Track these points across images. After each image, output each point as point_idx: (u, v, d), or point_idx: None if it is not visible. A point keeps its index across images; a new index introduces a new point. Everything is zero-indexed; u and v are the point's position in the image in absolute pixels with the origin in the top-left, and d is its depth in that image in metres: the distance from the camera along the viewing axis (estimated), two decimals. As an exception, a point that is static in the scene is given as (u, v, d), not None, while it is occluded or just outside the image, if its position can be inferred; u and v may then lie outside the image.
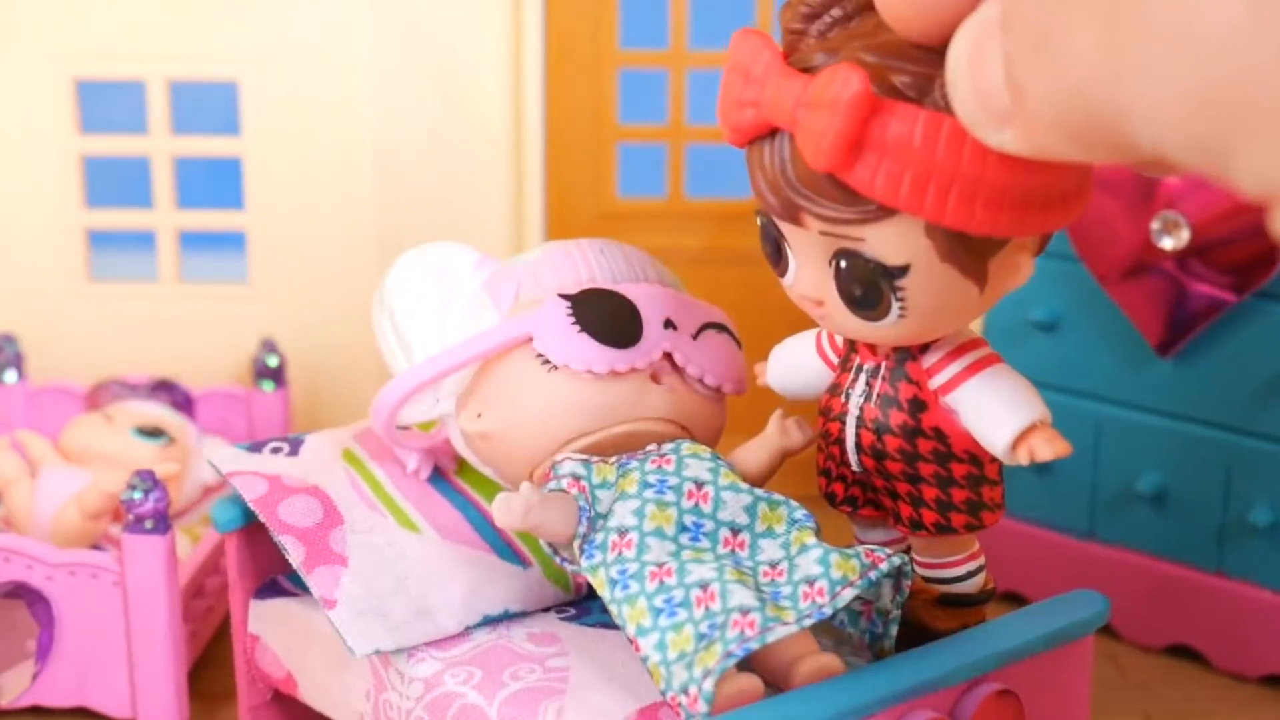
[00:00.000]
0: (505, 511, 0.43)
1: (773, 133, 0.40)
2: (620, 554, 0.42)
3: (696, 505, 0.44)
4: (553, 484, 0.44)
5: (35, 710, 0.56)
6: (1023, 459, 0.41)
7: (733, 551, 0.43)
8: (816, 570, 0.42)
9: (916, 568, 0.46)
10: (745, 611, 0.40)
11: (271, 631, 0.52)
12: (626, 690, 0.44)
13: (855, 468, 0.45)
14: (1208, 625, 0.59)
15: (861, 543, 0.48)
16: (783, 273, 0.43)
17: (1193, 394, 0.58)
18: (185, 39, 0.69)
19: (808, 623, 0.41)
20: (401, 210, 0.71)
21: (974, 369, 0.43)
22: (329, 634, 0.48)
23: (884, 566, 0.42)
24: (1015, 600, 0.63)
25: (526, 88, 0.70)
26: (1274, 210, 0.27)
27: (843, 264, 0.40)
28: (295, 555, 0.48)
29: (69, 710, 0.56)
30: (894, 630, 0.44)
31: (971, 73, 0.34)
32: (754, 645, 0.40)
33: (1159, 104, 0.28)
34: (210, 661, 0.59)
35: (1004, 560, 0.62)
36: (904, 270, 0.40)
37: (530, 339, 0.46)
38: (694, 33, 0.71)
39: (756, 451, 0.48)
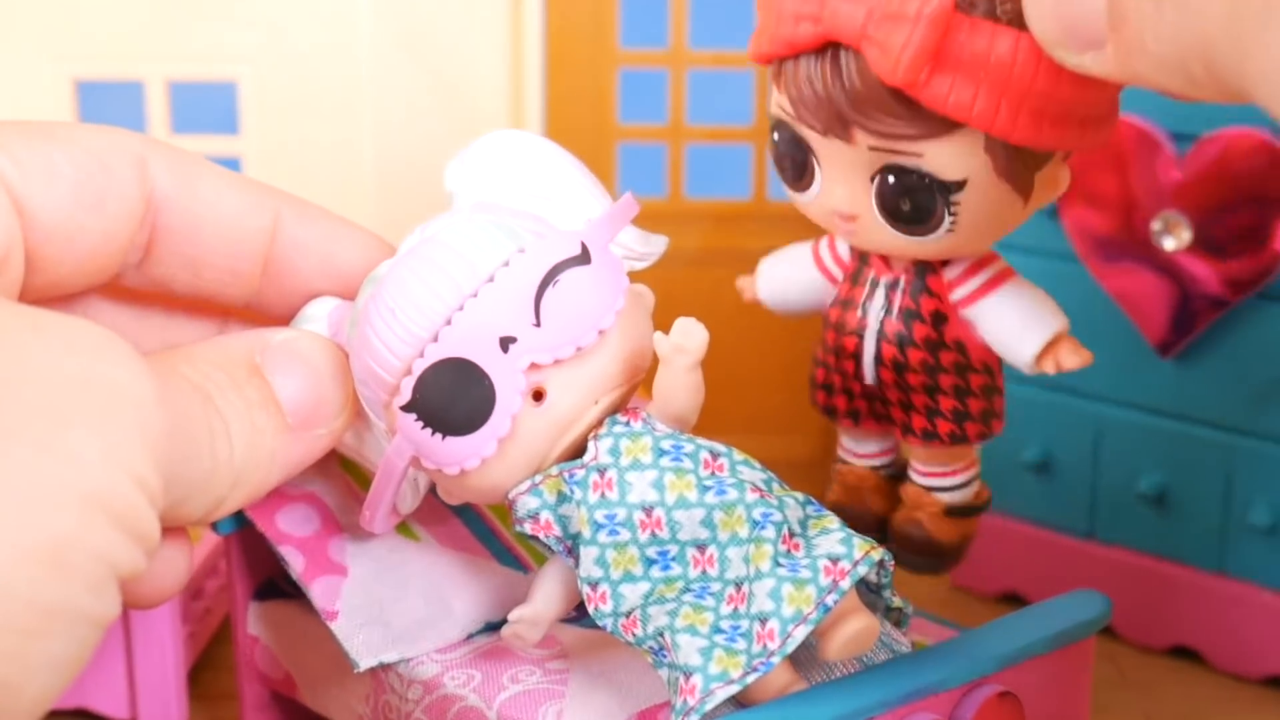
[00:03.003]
0: (522, 644, 0.44)
1: (822, 48, 0.40)
2: (597, 608, 0.42)
3: (653, 534, 0.41)
4: (518, 528, 0.43)
5: (35, 711, 0.56)
6: (1049, 369, 0.43)
7: (703, 572, 0.42)
8: (769, 606, 0.40)
9: (917, 477, 0.47)
10: (689, 674, 0.40)
11: (271, 633, 0.51)
12: (626, 692, 0.44)
13: (871, 381, 0.45)
14: (1208, 626, 0.59)
15: (850, 453, 0.48)
16: (804, 188, 0.43)
17: (1193, 394, 0.58)
18: (185, 39, 0.69)
19: (752, 677, 0.40)
20: (402, 210, 0.71)
21: (994, 283, 0.44)
22: (328, 636, 0.48)
23: (845, 584, 0.40)
24: (1015, 600, 0.63)
25: (526, 88, 0.70)
26: None
27: (890, 179, 0.41)
28: (295, 565, 0.47)
29: (69, 711, 0.56)
30: (887, 592, 0.43)
31: None
32: (695, 717, 0.40)
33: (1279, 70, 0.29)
34: (210, 662, 0.59)
35: (1004, 560, 0.62)
36: (961, 185, 0.41)
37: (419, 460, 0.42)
38: (694, 33, 0.71)
39: (670, 382, 0.43)
